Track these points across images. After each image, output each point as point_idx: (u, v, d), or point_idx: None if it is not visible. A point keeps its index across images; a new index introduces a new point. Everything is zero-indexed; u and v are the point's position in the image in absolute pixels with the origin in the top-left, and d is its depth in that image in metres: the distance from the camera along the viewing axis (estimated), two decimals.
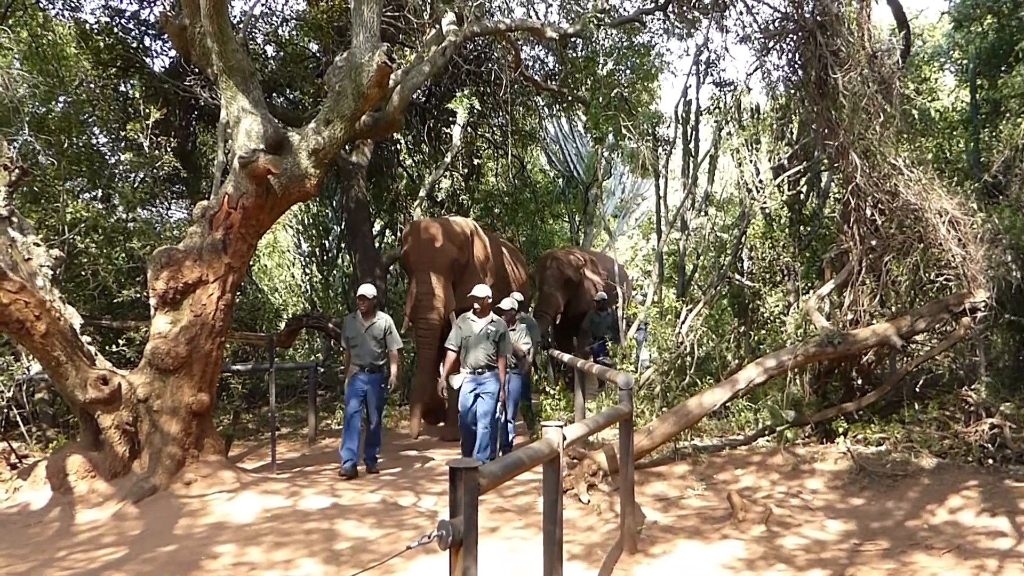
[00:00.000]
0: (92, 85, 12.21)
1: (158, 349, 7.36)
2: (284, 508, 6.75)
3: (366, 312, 8.71)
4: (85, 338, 7.59)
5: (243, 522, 6.39)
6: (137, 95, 12.12)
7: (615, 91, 13.87)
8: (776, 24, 9.83)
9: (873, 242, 8.25)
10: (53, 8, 12.83)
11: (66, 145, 11.33)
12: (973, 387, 7.85)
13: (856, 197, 8.27)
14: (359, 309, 8.75)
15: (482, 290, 8.53)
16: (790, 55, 9.54)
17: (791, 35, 9.37)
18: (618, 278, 14.23)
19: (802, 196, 10.77)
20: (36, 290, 6.82)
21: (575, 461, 7.43)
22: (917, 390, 8.46)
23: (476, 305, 8.48)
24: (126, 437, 7.16)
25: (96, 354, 7.58)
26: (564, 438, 3.99)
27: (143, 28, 13.39)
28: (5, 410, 8.47)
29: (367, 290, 8.76)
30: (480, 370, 8.32)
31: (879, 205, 8.16)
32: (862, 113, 8.13)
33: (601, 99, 13.53)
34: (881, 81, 8.26)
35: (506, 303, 9.20)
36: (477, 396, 8.32)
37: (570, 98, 15.91)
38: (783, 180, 10.28)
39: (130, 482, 7.06)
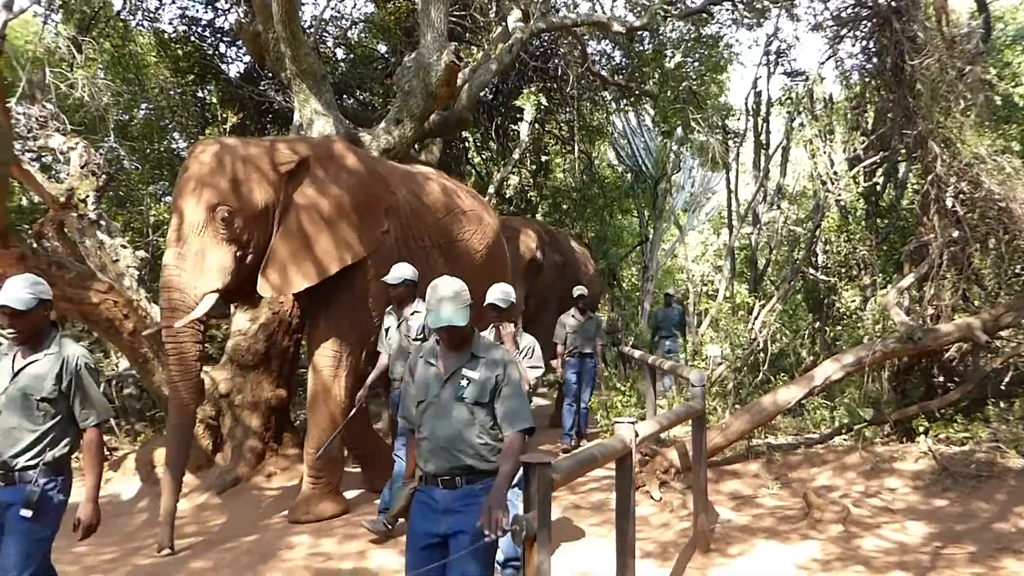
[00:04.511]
0: (172, 92, 12.63)
1: (238, 346, 7.61)
2: (357, 500, 6.91)
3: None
4: None
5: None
6: (214, 100, 12.48)
7: (683, 84, 13.73)
8: (849, 11, 9.60)
9: (955, 234, 7.98)
10: (134, 19, 13.31)
11: (148, 150, 11.76)
12: None
13: (936, 187, 8.01)
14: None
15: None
16: (864, 42, 9.32)
17: (865, 21, 9.15)
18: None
19: (879, 187, 10.50)
20: (124, 290, 7.14)
21: (647, 458, 7.39)
22: (1003, 388, 8.14)
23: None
24: (209, 431, 7.42)
25: None
26: (636, 434, 3.99)
27: (218, 36, 13.79)
28: None
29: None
30: None
31: (960, 195, 7.89)
32: (941, 100, 7.88)
33: (669, 92, 13.42)
34: (961, 67, 7.99)
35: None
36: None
37: (638, 92, 15.79)
38: (859, 171, 10.03)
39: (213, 474, 7.31)
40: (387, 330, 6.05)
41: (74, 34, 10.70)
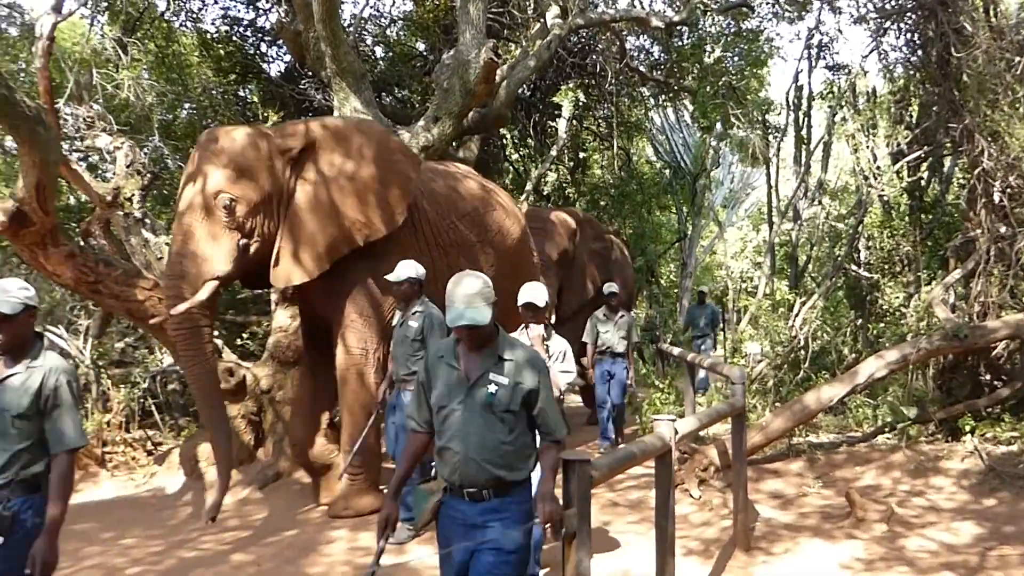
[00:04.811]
0: (214, 92, 12.80)
1: (279, 342, 7.71)
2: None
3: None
4: None
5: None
6: (255, 99, 12.64)
7: (723, 79, 13.60)
8: (893, 3, 9.43)
9: (1002, 229, 7.81)
10: (177, 20, 13.51)
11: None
12: None
13: (983, 182, 7.85)
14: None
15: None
16: (909, 35, 9.16)
17: (909, 13, 8.99)
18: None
19: (923, 182, 10.32)
20: None
21: (686, 456, 7.35)
22: None
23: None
24: (251, 426, 7.53)
25: (222, 347, 7.98)
26: (676, 432, 3.97)
27: (260, 35, 13.95)
28: (141, 400, 9.01)
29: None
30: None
31: (1008, 190, 7.73)
32: (988, 93, 7.72)
33: (708, 87, 13.31)
34: (1009, 58, 7.81)
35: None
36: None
37: (676, 88, 15.68)
38: (902, 166, 9.87)
39: (255, 469, 7.41)
40: (393, 329, 5.99)
41: (119, 35, 10.89)
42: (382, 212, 6.31)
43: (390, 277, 5.77)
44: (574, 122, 15.75)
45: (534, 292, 4.69)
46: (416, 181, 6.63)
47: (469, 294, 2.94)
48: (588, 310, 10.02)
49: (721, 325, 12.92)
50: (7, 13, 12.14)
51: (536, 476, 3.04)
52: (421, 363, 3.26)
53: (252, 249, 5.99)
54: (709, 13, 13.75)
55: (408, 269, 5.76)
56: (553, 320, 9.66)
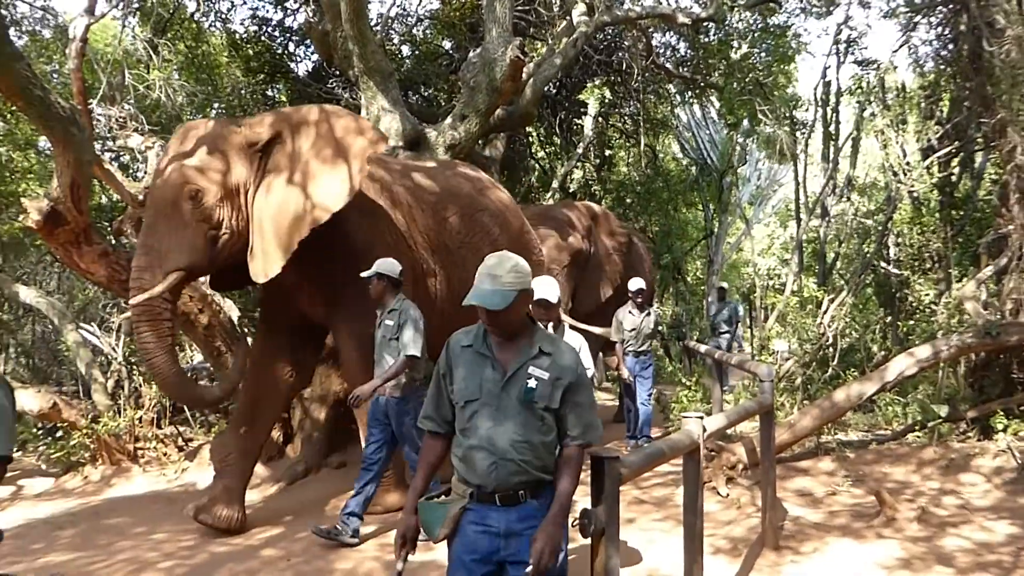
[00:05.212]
0: (243, 91, 12.94)
1: None
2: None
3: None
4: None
5: (386, 505, 6.68)
6: (283, 99, 12.76)
7: (750, 75, 13.51)
8: None
9: None
10: (207, 21, 13.68)
11: None
12: None
13: (1016, 177, 7.74)
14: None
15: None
16: (939, 28, 9.07)
17: (940, 7, 8.89)
18: None
19: (954, 178, 10.19)
20: (199, 285, 7.34)
21: (713, 454, 7.32)
22: None
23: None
24: (279, 424, 7.60)
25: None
26: (704, 429, 3.96)
27: (288, 35, 14.08)
28: None
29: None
30: None
31: None
32: (1022, 87, 7.60)
33: (735, 84, 13.23)
34: None
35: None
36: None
37: (703, 84, 15.62)
38: (932, 161, 9.76)
39: (284, 465, 7.50)
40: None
41: (150, 36, 11.04)
42: (338, 187, 5.99)
43: (364, 274, 5.68)
44: (600, 119, 15.74)
45: (545, 287, 4.39)
46: (375, 156, 6.34)
47: (490, 274, 2.75)
48: (605, 309, 9.78)
49: (740, 322, 12.64)
50: (41, 16, 12.35)
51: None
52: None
53: (221, 242, 5.83)
54: (736, 9, 13.66)
55: (379, 265, 5.65)
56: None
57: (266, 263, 5.83)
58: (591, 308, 9.96)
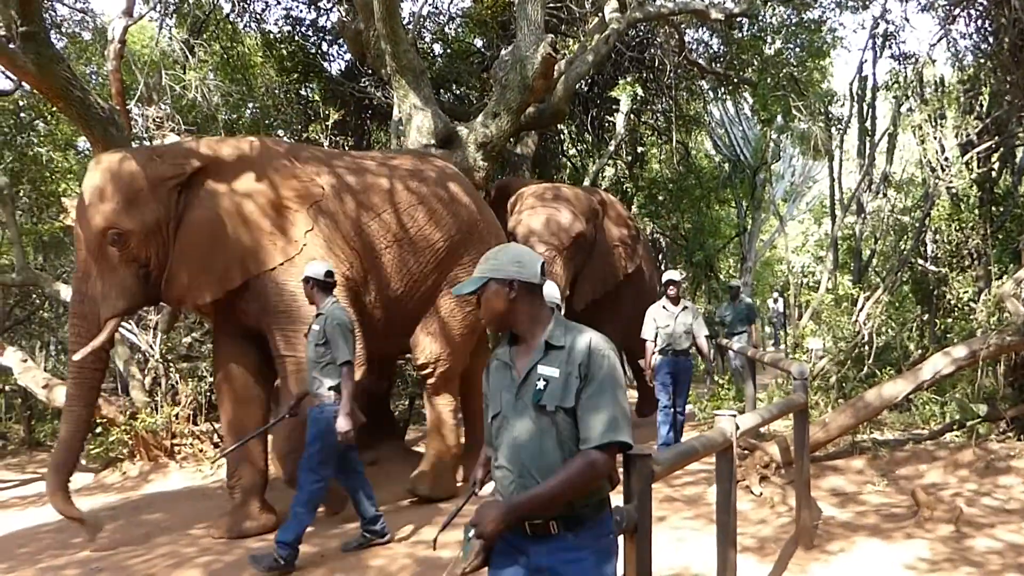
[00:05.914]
0: (277, 91, 13.08)
1: None
2: (459, 489, 7.04)
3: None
4: None
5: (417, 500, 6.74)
6: (317, 98, 12.87)
7: (784, 71, 13.38)
8: None
9: None
10: (241, 21, 13.84)
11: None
12: None
13: None
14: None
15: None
16: (979, 22, 8.91)
17: (980, 0, 8.72)
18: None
19: (994, 174, 10.00)
20: None
21: (746, 452, 7.27)
22: None
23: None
24: None
25: None
26: (737, 427, 3.94)
27: (321, 35, 14.22)
28: (208, 393, 9.26)
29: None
30: None
31: None
32: None
33: (769, 79, 13.10)
34: None
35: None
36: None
37: (736, 80, 15.49)
38: (972, 157, 9.58)
39: None
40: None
41: (187, 37, 11.21)
42: (277, 239, 5.98)
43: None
44: (632, 116, 15.67)
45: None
46: (316, 194, 6.22)
47: (483, 259, 2.53)
48: (604, 303, 9.45)
49: (755, 321, 12.11)
50: (80, 18, 12.57)
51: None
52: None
53: (152, 277, 5.85)
54: (770, 4, 13.53)
55: (308, 267, 5.47)
56: (563, 312, 8.91)
57: (186, 295, 5.92)
58: (589, 300, 9.43)
